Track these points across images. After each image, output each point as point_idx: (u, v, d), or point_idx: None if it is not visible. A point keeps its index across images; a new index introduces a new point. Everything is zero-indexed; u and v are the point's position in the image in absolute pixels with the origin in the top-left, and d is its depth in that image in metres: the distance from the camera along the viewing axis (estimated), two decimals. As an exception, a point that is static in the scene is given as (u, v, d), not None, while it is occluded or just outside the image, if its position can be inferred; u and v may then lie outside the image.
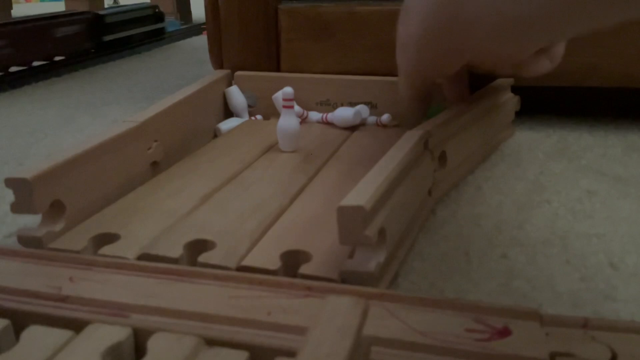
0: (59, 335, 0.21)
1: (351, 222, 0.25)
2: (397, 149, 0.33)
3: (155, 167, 0.40)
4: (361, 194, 0.26)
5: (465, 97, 0.45)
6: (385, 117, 0.48)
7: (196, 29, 1.46)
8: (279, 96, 0.47)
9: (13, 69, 0.85)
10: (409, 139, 0.34)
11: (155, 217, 0.33)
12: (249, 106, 0.52)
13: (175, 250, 0.29)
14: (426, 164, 0.36)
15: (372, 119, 0.49)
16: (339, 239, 0.26)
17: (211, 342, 0.21)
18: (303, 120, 0.49)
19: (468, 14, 0.31)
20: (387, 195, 0.28)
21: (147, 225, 0.32)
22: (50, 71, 0.90)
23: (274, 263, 0.28)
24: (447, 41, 0.34)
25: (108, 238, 0.30)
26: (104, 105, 0.70)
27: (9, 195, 0.30)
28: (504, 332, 0.21)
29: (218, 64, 0.59)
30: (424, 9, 0.34)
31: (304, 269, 0.27)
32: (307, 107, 0.51)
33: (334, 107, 0.50)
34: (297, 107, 0.48)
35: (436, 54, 0.36)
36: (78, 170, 0.33)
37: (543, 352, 0.20)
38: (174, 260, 0.28)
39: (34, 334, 0.22)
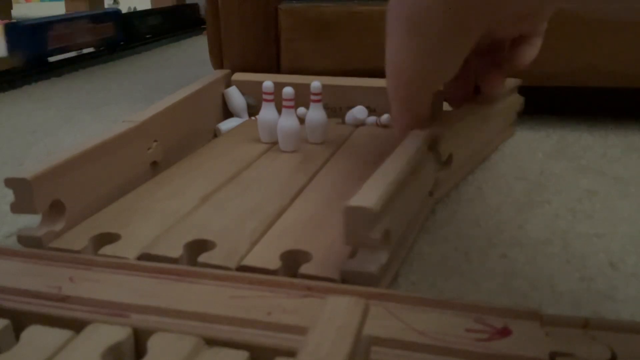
0: (59, 335, 0.21)
1: (357, 223, 0.25)
2: (403, 149, 0.32)
3: (155, 167, 0.40)
4: (369, 195, 0.26)
5: (470, 97, 0.43)
6: (385, 118, 0.48)
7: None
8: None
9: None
10: (414, 140, 0.34)
11: (155, 217, 0.33)
12: (249, 106, 0.52)
13: (175, 250, 0.29)
14: (430, 165, 0.36)
15: (371, 119, 0.49)
16: (344, 239, 0.25)
17: (211, 342, 0.21)
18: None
19: None
20: (394, 196, 0.28)
21: (147, 225, 0.32)
22: (50, 71, 0.90)
23: (274, 263, 0.28)
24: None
25: (108, 238, 0.30)
26: (104, 105, 0.70)
27: (9, 195, 0.30)
28: (504, 332, 0.21)
29: (218, 64, 0.59)
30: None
31: (304, 269, 0.27)
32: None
33: (333, 111, 0.50)
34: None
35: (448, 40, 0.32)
36: (78, 170, 0.33)
37: (543, 352, 0.20)
38: (174, 260, 0.28)
39: (34, 334, 0.22)
